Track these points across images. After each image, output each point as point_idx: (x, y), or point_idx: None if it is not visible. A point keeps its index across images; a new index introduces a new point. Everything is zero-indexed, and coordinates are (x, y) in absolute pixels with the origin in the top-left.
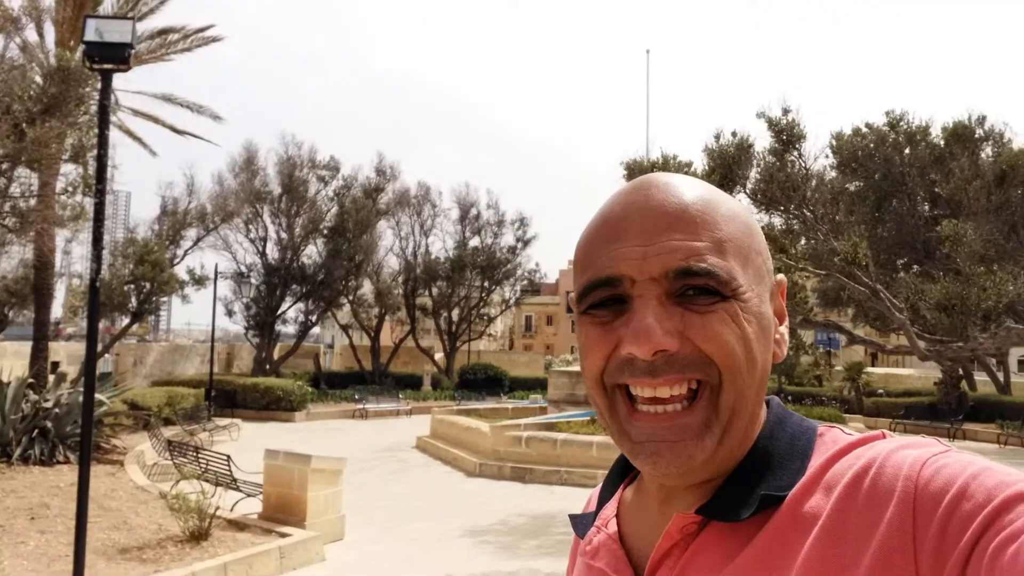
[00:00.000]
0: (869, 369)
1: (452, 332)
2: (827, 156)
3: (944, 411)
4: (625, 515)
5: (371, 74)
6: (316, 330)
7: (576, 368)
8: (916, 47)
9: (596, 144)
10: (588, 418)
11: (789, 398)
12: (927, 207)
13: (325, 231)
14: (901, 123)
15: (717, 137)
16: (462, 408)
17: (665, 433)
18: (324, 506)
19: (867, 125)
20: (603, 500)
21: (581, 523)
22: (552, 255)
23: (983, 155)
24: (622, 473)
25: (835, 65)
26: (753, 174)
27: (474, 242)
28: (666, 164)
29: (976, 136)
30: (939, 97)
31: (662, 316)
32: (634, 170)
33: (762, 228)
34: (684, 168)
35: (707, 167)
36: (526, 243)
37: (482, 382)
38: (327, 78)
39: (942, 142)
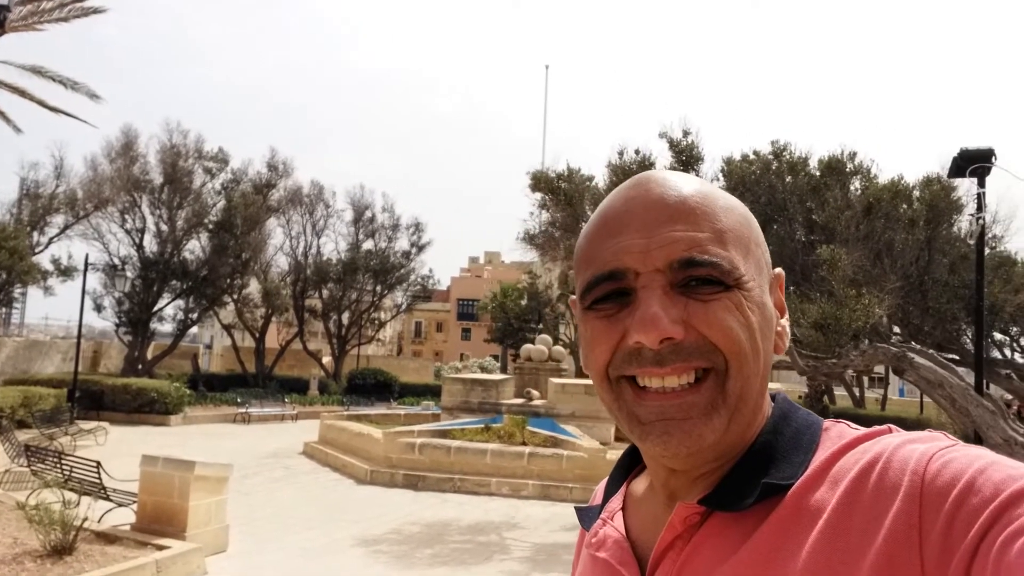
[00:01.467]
0: None
1: (341, 336)
2: (717, 179)
3: None
4: (631, 508)
5: (266, 68)
6: (194, 330)
7: (471, 375)
8: (800, 84)
9: (494, 156)
10: (482, 426)
11: None
12: (805, 233)
13: (210, 225)
14: (784, 153)
15: (621, 154)
16: (352, 414)
17: (674, 411)
18: (207, 516)
19: (755, 152)
20: (609, 493)
21: (587, 516)
22: (445, 262)
23: (852, 187)
24: (628, 467)
25: (729, 93)
26: None
27: (368, 245)
28: (571, 177)
29: (847, 169)
30: (818, 131)
31: (667, 305)
32: (539, 180)
33: None
34: (586, 182)
35: (610, 182)
36: (421, 248)
37: (371, 387)
38: (224, 68)
39: (818, 173)
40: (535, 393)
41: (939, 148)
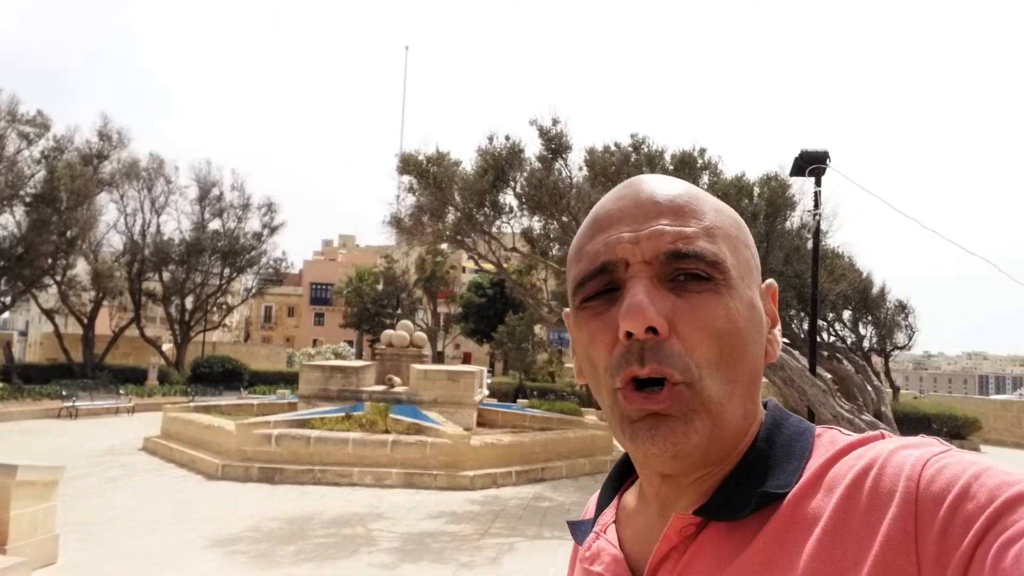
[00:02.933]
0: None
1: (184, 321)
2: (581, 168)
3: None
4: (623, 521)
5: (105, 28)
6: (5, 315)
7: (331, 362)
8: (658, 83)
9: (353, 138)
10: (343, 414)
11: (535, 393)
12: None
13: (27, 198)
14: (643, 146)
15: (491, 139)
16: (199, 405)
17: (659, 407)
18: (32, 525)
19: (616, 144)
20: (601, 506)
21: (580, 529)
22: (298, 245)
23: (702, 182)
24: (620, 478)
25: (593, 87)
26: (522, 178)
27: (215, 225)
28: (440, 160)
29: (698, 165)
30: (673, 127)
31: (654, 296)
32: (408, 162)
33: (523, 231)
34: (454, 166)
35: (479, 167)
36: (273, 230)
37: (219, 376)
38: (53, 30)
39: (672, 167)
40: (397, 380)
41: (776, 150)
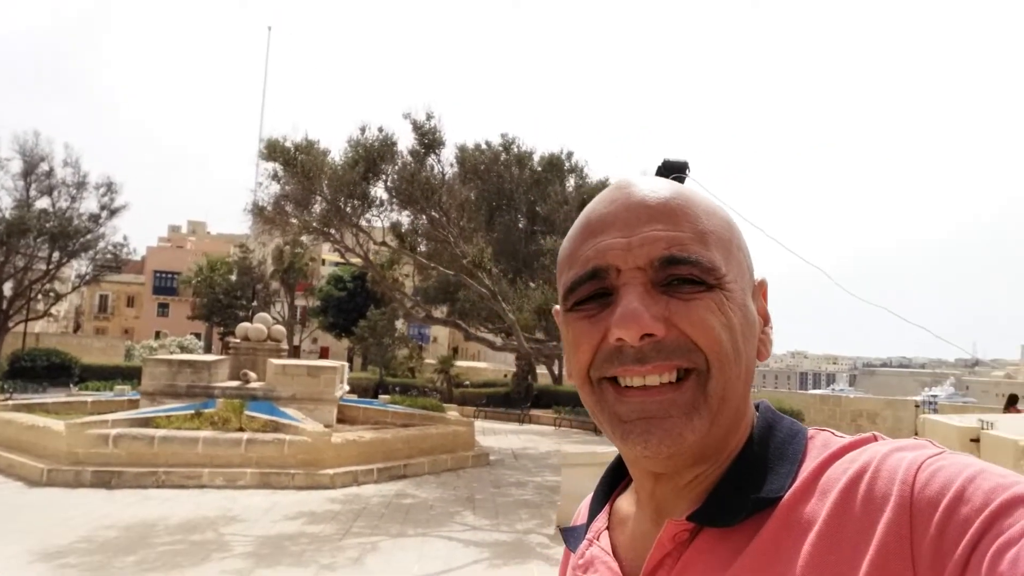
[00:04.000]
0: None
1: (2, 310)
2: (453, 165)
3: (516, 399)
4: (616, 527)
5: None
6: None
7: (179, 356)
8: (528, 86)
9: (207, 118)
10: (192, 412)
11: (397, 389)
12: (528, 223)
13: None
14: (513, 146)
15: (363, 130)
16: (20, 403)
17: (655, 408)
18: None
19: (487, 143)
20: (594, 512)
21: (572, 536)
22: (141, 230)
23: (569, 184)
24: (612, 483)
25: (466, 86)
26: (393, 172)
27: (43, 203)
28: (310, 149)
29: (566, 167)
30: (542, 130)
31: (649, 302)
32: (275, 149)
33: (392, 225)
34: (323, 156)
35: (350, 158)
36: (113, 212)
37: (43, 370)
38: None
39: (540, 168)
40: (252, 375)
41: (639, 157)
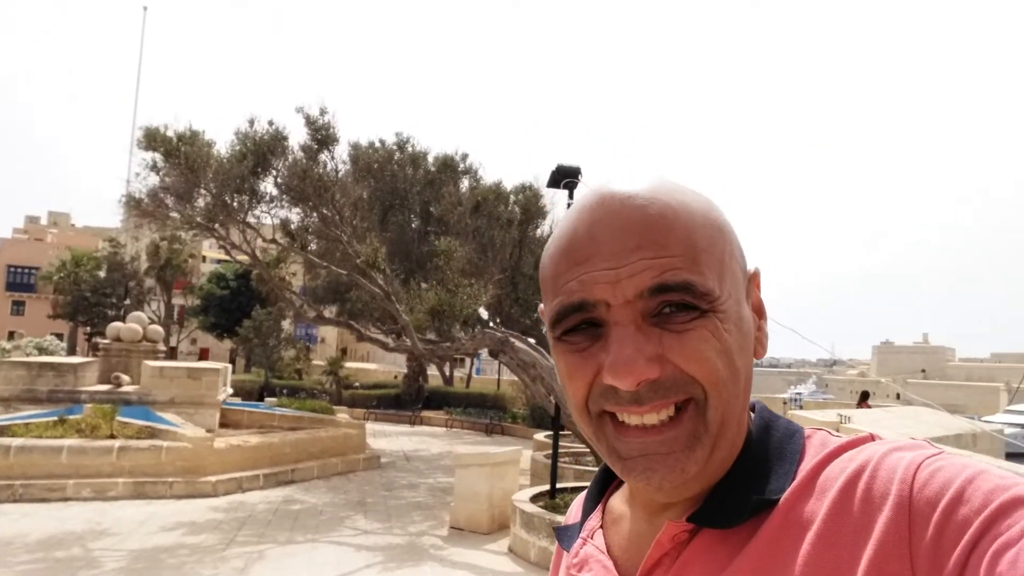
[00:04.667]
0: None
1: None
2: (345, 163)
3: (407, 400)
4: (610, 526)
5: None
6: None
7: (40, 359)
8: (423, 86)
9: (70, 103)
10: (55, 418)
11: (284, 391)
12: (422, 223)
13: None
14: (407, 145)
15: (252, 123)
16: None
17: (656, 446)
18: None
19: (380, 141)
20: (587, 510)
21: (566, 535)
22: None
23: (463, 186)
24: (605, 482)
25: (360, 83)
26: (284, 167)
27: None
28: (194, 139)
29: (460, 169)
30: (436, 131)
31: (641, 343)
32: (155, 138)
33: (282, 222)
34: (208, 147)
35: (237, 151)
36: None
37: None
38: None
39: (435, 168)
40: (125, 378)
41: (530, 162)
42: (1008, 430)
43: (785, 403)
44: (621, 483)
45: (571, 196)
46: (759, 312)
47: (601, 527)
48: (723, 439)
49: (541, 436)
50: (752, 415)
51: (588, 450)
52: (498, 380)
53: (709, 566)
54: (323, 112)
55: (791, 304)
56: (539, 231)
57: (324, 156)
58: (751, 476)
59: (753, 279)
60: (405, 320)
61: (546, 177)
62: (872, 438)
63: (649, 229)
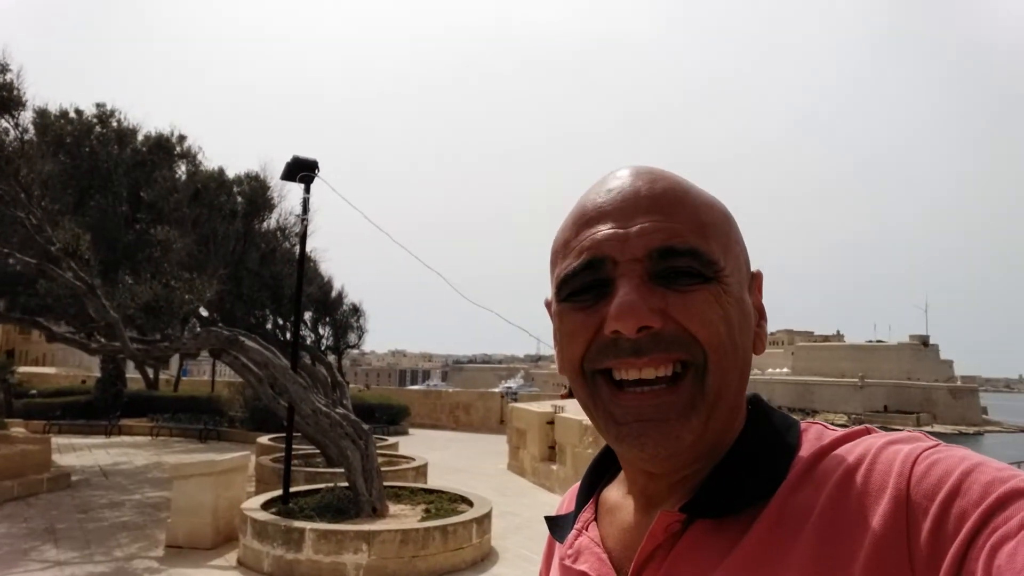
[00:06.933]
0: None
1: None
2: (28, 131)
3: (102, 408)
4: (604, 516)
5: None
6: None
7: None
8: (135, 54)
9: None
10: None
11: None
12: (131, 209)
13: None
14: (112, 119)
15: None
16: None
17: (651, 412)
18: None
19: (77, 111)
20: (581, 501)
21: (558, 525)
22: None
23: (181, 171)
24: (599, 472)
25: (55, 34)
26: None
27: None
28: None
29: (176, 151)
30: (149, 106)
31: (646, 294)
32: None
33: None
34: None
35: None
36: None
37: None
38: None
39: (145, 148)
40: None
41: (259, 150)
42: None
43: (503, 396)
44: (615, 475)
45: (307, 191)
46: (760, 313)
47: (595, 518)
48: (718, 412)
49: (265, 439)
50: (749, 407)
51: (318, 452)
52: (212, 381)
53: (703, 558)
54: (4, 68)
55: (494, 301)
56: (266, 224)
57: (5, 122)
58: (746, 466)
59: (756, 279)
60: (114, 317)
61: (276, 168)
62: (869, 431)
63: (657, 200)
